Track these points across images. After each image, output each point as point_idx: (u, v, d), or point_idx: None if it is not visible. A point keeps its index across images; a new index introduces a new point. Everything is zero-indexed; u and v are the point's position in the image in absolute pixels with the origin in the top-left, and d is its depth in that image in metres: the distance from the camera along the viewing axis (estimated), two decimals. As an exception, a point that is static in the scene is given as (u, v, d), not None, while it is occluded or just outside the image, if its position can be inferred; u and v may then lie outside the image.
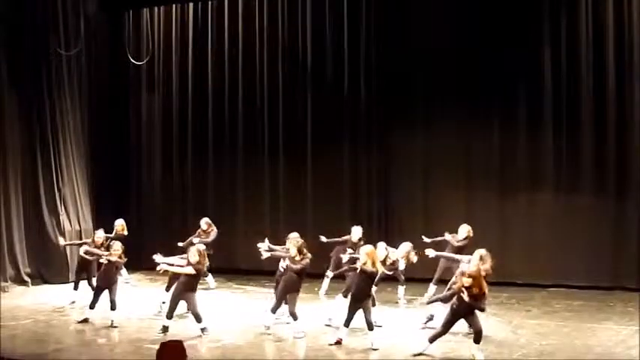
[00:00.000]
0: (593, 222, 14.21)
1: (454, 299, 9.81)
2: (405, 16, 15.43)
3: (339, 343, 10.48)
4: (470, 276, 9.64)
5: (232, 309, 13.07)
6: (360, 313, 10.33)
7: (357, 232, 13.44)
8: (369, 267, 10.32)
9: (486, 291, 9.72)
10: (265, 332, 11.16)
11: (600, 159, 14.26)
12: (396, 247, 12.67)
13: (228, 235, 16.12)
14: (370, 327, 10.31)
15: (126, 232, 15.13)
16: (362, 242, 12.91)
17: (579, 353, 10.00)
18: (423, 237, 13.00)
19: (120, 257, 11.98)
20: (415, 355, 9.82)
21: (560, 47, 14.46)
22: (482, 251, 10.73)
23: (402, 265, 12.32)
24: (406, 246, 12.34)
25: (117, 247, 12.16)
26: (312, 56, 16.25)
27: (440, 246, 12.69)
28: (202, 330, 11.08)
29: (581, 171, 14.39)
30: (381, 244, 12.28)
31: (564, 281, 14.21)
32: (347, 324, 10.46)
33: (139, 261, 15.75)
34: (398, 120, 15.59)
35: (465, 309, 9.63)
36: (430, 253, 11.40)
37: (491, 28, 14.75)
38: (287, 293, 11.10)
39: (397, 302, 13.14)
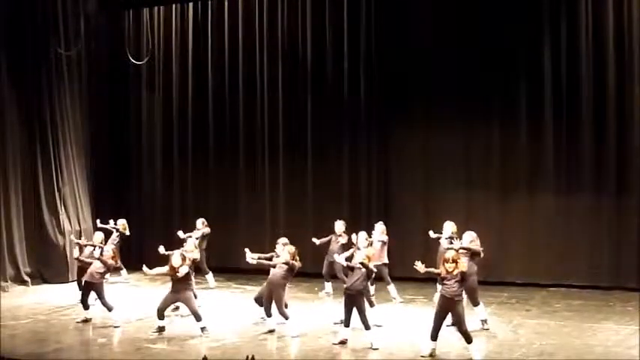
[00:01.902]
0: (593, 222, 14.20)
1: (441, 288, 10.05)
2: (404, 15, 15.43)
3: (343, 343, 10.50)
4: (453, 260, 9.86)
5: (232, 309, 13.07)
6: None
7: (339, 225, 13.69)
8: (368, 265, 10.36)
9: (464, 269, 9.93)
10: (267, 332, 11.20)
11: (600, 159, 14.24)
12: (396, 246, 12.70)
13: (228, 234, 16.15)
14: (366, 327, 10.33)
15: (127, 232, 15.19)
16: (345, 234, 13.41)
17: (579, 353, 10.00)
18: (430, 233, 13.18)
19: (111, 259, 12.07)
20: (424, 357, 9.85)
21: (560, 47, 14.45)
22: (472, 233, 11.12)
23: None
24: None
25: (107, 249, 12.35)
26: (312, 56, 16.25)
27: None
28: (202, 329, 11.10)
29: (581, 171, 14.38)
30: (362, 234, 12.46)
31: (564, 281, 14.21)
32: (347, 324, 10.48)
33: (139, 261, 15.78)
34: (398, 120, 15.59)
35: (454, 295, 9.74)
36: (420, 268, 11.08)
37: (491, 28, 14.75)
38: (272, 293, 11.13)
39: (395, 301, 13.14)
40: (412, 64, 15.36)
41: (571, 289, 13.98)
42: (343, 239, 13.37)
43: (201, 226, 14.78)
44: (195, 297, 12.53)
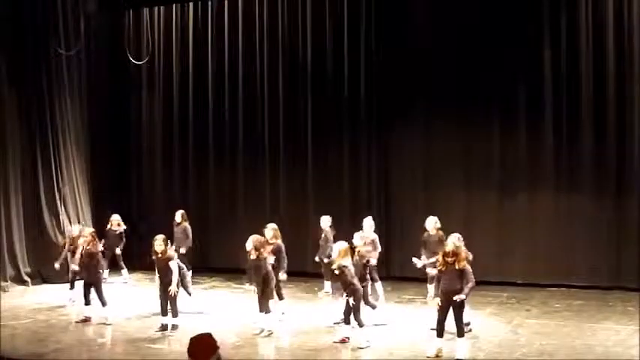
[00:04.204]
0: (593, 222, 14.19)
1: (441, 283, 9.77)
2: (405, 16, 15.44)
3: (344, 341, 10.51)
4: (454, 254, 9.64)
5: (232, 309, 13.07)
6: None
7: (325, 220, 13.62)
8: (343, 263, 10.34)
9: (465, 266, 9.67)
10: (259, 333, 11.15)
11: (600, 159, 14.24)
12: (396, 246, 12.67)
13: (228, 234, 16.16)
14: (359, 324, 10.36)
15: (121, 228, 15.30)
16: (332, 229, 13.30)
17: (579, 353, 10.00)
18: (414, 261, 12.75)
19: (90, 244, 12.05)
20: (430, 357, 9.81)
21: (560, 47, 14.45)
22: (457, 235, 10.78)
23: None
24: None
25: (86, 233, 12.42)
26: (312, 56, 16.26)
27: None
28: (172, 325, 11.13)
29: (581, 171, 14.37)
30: (357, 235, 12.30)
31: (564, 281, 14.21)
32: (347, 321, 10.51)
33: (139, 260, 15.81)
34: (398, 120, 15.60)
35: (451, 288, 9.57)
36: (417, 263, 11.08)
37: (491, 28, 14.75)
38: (264, 289, 11.10)
39: (400, 301, 13.14)
40: (412, 64, 15.35)
41: (571, 289, 13.98)
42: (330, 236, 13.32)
43: (180, 218, 14.86)
44: (189, 294, 12.59)
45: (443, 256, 9.83)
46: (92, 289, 12.04)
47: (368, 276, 11.29)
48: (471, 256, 10.29)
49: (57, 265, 13.87)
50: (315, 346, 10.57)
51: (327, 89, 16.17)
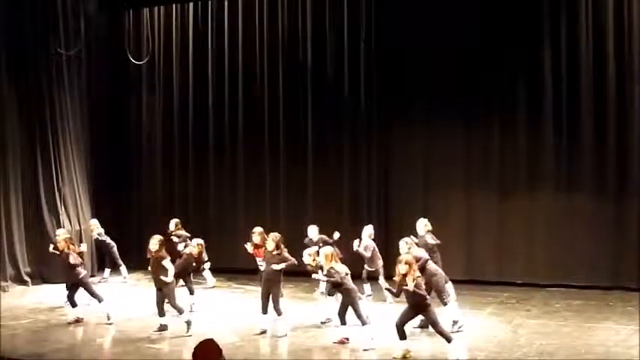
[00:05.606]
0: (593, 222, 14.19)
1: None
2: (404, 15, 15.44)
3: (343, 342, 10.51)
4: (406, 262, 9.59)
5: (232, 309, 13.08)
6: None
7: (313, 231, 13.55)
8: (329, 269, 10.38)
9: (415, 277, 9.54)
10: (259, 333, 11.12)
11: (600, 159, 14.24)
12: (395, 247, 12.58)
13: (228, 234, 16.16)
14: (362, 323, 10.35)
15: (95, 232, 15.21)
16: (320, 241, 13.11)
17: (579, 353, 10.00)
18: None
19: (66, 248, 12.02)
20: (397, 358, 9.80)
21: (560, 47, 14.46)
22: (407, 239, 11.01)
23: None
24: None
25: (59, 233, 12.45)
26: (312, 56, 16.26)
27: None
28: (187, 323, 11.08)
29: (581, 171, 14.38)
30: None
31: (564, 281, 14.20)
32: (342, 321, 10.51)
33: (139, 261, 15.81)
34: (398, 120, 15.60)
35: (414, 298, 9.59)
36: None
37: (491, 28, 14.75)
38: (269, 289, 11.08)
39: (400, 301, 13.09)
40: (412, 64, 15.36)
41: (571, 289, 13.97)
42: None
43: (174, 227, 14.73)
44: (192, 293, 12.62)
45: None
46: (80, 290, 12.03)
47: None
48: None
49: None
50: (314, 346, 10.57)
51: (327, 89, 16.17)
